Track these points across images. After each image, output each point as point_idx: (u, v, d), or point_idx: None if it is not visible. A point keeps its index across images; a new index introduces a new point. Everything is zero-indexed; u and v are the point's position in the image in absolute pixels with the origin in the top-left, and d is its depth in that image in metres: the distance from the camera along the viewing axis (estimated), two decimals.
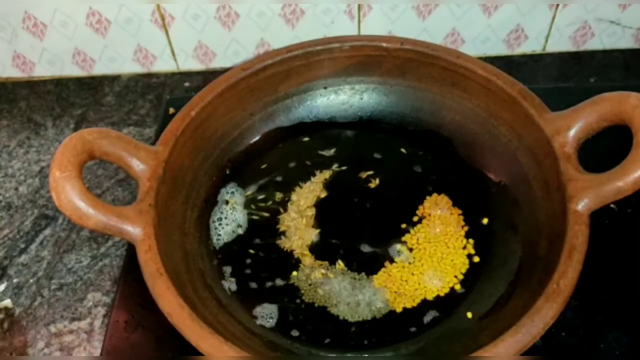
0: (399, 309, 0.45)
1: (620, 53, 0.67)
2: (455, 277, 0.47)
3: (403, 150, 0.56)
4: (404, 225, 0.50)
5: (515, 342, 0.36)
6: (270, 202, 0.53)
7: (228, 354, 0.36)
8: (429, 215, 0.51)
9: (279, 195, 0.53)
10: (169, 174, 0.46)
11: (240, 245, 0.50)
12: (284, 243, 0.50)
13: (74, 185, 0.40)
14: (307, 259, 0.49)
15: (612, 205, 0.49)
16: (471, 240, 0.49)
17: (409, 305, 0.46)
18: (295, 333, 0.45)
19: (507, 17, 0.64)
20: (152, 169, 0.45)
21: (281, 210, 0.52)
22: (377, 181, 0.54)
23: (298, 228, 0.51)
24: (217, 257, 0.49)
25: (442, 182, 0.53)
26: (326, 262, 0.48)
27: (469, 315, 0.44)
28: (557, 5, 0.63)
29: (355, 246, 0.49)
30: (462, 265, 0.48)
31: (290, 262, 0.49)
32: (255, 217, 0.52)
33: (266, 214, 0.52)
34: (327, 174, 0.55)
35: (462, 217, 0.51)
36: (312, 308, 0.46)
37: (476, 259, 0.48)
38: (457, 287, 0.46)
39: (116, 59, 0.69)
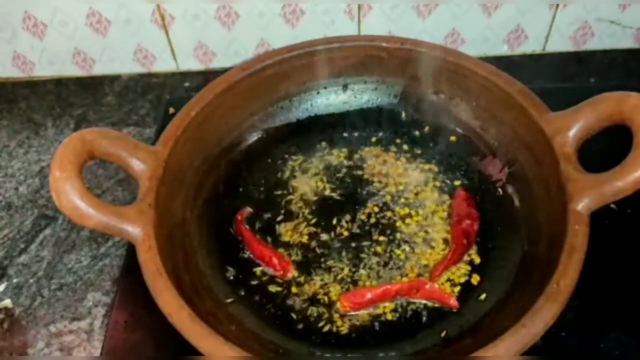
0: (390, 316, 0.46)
1: (620, 53, 0.67)
2: (452, 280, 0.47)
3: (404, 149, 0.56)
4: (399, 224, 0.50)
5: (515, 342, 0.36)
6: (270, 202, 0.53)
7: (228, 354, 0.36)
8: (428, 215, 0.51)
9: (279, 195, 0.53)
10: (169, 174, 0.46)
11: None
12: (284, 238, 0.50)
13: (74, 186, 0.40)
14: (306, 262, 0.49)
15: (612, 205, 0.49)
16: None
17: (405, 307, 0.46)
18: (295, 333, 0.45)
19: (507, 17, 0.64)
20: (152, 169, 0.45)
21: (281, 210, 0.52)
22: (377, 180, 0.54)
23: (297, 227, 0.51)
24: (217, 257, 0.49)
25: (443, 182, 0.53)
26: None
27: (470, 315, 0.44)
28: (557, 5, 0.63)
29: (351, 245, 0.49)
30: (461, 269, 0.48)
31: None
32: (255, 217, 0.52)
33: (266, 214, 0.52)
34: (327, 173, 0.55)
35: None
36: (313, 308, 0.46)
37: (477, 260, 0.48)
38: (457, 289, 0.46)
39: (116, 59, 0.69)
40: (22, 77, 0.71)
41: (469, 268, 0.47)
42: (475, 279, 0.47)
